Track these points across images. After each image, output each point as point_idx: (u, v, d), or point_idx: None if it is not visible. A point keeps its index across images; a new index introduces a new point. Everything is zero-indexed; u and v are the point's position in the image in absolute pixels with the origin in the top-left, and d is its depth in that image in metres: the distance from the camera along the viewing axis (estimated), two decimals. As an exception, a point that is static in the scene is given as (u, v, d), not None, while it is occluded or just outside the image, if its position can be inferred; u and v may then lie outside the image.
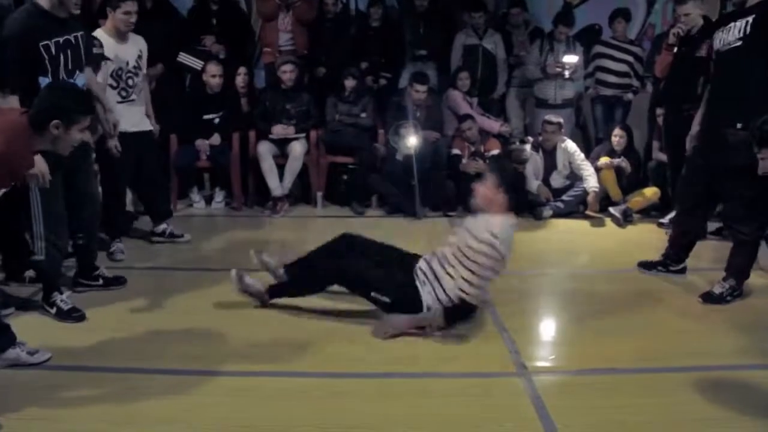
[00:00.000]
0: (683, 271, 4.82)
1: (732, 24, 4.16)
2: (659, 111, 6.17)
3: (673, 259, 4.82)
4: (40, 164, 3.38)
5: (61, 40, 3.71)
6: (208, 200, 6.89)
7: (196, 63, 6.78)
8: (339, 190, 7.06)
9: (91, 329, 3.79)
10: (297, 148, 6.62)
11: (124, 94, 4.96)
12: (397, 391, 3.19)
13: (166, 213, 5.56)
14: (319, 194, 6.90)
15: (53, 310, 3.92)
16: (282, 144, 6.68)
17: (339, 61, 7.18)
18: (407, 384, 3.26)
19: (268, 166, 6.56)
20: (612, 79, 7.33)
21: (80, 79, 3.89)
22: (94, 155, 4.57)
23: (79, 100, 3.14)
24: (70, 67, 3.77)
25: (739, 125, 4.09)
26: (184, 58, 6.88)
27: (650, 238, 5.80)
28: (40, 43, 3.61)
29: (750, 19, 4.04)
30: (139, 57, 5.05)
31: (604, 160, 6.54)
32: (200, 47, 6.98)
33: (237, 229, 6.06)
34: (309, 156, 6.79)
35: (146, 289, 4.46)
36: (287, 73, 6.70)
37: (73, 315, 3.91)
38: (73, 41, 3.79)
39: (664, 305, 4.29)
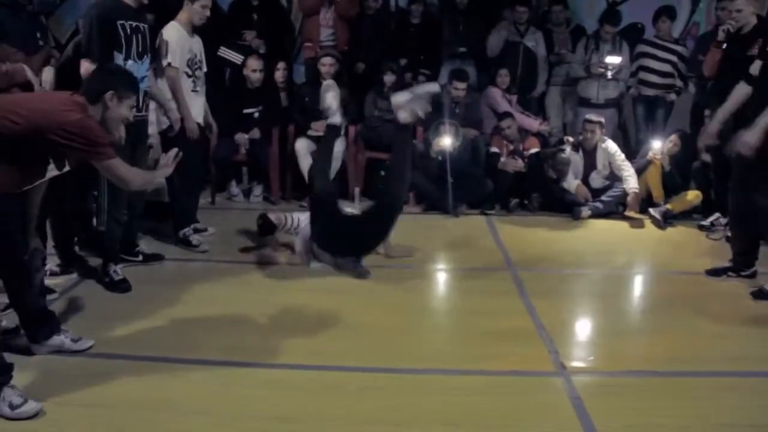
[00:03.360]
0: (755, 275, 4.68)
1: None
2: (707, 111, 6.03)
3: (743, 263, 4.70)
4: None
5: (133, 24, 4.17)
6: (247, 194, 6.94)
7: (236, 58, 6.82)
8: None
9: (130, 319, 3.83)
10: (337, 147, 6.63)
11: (193, 84, 5.08)
12: (435, 388, 3.18)
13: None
14: (357, 190, 6.89)
15: (107, 280, 4.30)
16: (320, 140, 6.68)
17: (378, 58, 7.17)
18: (445, 380, 3.26)
19: (307, 165, 6.57)
20: (655, 79, 7.22)
21: (146, 64, 4.32)
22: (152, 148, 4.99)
23: (129, 79, 3.42)
24: (140, 49, 4.22)
25: None
26: (225, 52, 6.92)
27: (691, 241, 5.73)
28: (118, 21, 4.08)
29: None
30: (202, 52, 5.21)
31: (656, 150, 6.43)
32: (241, 42, 7.02)
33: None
34: (347, 151, 6.79)
35: (183, 280, 4.50)
36: (326, 66, 6.70)
37: (121, 286, 4.27)
38: (141, 29, 4.24)
39: (705, 309, 4.20)
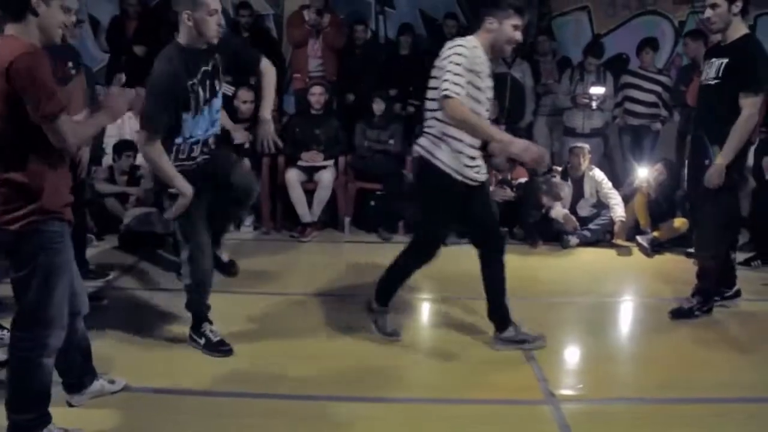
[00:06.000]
0: (738, 294, 4.74)
1: (714, 60, 4.34)
2: (689, 137, 6.11)
3: (725, 284, 4.74)
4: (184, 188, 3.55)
5: (201, 73, 3.62)
6: (238, 224, 6.95)
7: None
8: (366, 216, 7.09)
9: (133, 349, 3.86)
10: (326, 177, 6.69)
11: None
12: (426, 417, 3.20)
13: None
14: (347, 219, 6.94)
15: (202, 341, 3.87)
16: (310, 171, 6.75)
17: (368, 89, 7.25)
18: (436, 410, 3.28)
19: (297, 195, 6.63)
20: (640, 109, 7.34)
21: (216, 104, 3.79)
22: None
23: None
24: (207, 96, 3.68)
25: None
26: (216, 83, 6.97)
27: (678, 268, 5.76)
28: (188, 83, 3.55)
29: (724, 61, 4.24)
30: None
31: (642, 178, 6.49)
32: (231, 73, 7.08)
33: (266, 253, 6.10)
34: (337, 181, 6.85)
35: (177, 311, 4.50)
36: (316, 95, 6.80)
37: (221, 348, 3.84)
38: (210, 69, 3.68)
39: (692, 335, 4.26)
